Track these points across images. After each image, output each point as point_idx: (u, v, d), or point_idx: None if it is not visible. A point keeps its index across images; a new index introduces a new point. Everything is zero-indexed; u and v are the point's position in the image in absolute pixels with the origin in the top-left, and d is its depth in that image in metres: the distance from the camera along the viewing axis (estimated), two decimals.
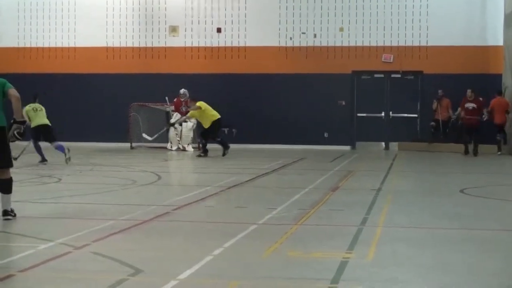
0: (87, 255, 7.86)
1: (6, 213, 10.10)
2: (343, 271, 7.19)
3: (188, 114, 23.36)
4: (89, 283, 6.66)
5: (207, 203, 12.25)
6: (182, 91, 24.84)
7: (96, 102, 28.07)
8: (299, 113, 27.68)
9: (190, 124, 24.86)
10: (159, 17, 28.54)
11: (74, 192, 13.45)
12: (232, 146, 23.68)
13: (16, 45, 28.88)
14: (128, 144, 26.07)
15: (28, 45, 28.87)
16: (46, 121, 19.47)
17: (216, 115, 22.60)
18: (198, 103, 22.58)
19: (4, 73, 27.39)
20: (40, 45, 28.90)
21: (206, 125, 22.64)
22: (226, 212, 11.42)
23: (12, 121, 10.22)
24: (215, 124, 22.64)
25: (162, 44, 28.42)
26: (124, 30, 28.56)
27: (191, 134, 25.25)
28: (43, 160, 19.30)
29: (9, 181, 10.13)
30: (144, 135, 25.29)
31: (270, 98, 27.98)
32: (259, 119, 27.79)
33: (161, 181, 15.96)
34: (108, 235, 8.97)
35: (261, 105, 27.80)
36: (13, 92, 10.10)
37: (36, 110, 19.38)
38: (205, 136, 22.73)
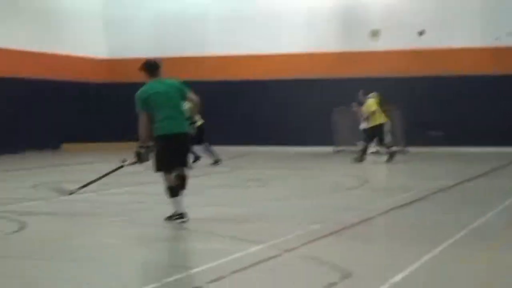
0: (296, 258, 7.93)
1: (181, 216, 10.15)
2: None
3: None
4: (300, 286, 6.72)
5: (414, 207, 12.06)
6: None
7: (299, 107, 28.39)
8: None
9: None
10: (359, 21, 28.40)
11: (278, 196, 13.66)
12: (441, 149, 23.17)
13: (219, 52, 29.67)
14: (330, 148, 26.20)
15: (232, 53, 29.59)
16: None
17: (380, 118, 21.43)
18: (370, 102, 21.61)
19: (214, 80, 28.59)
20: (242, 52, 29.50)
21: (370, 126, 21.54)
22: (434, 217, 11.18)
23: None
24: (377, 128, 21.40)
25: (362, 48, 28.26)
26: (325, 35, 28.64)
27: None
28: (217, 161, 19.84)
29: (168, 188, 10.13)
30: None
31: (482, 99, 27.00)
32: (469, 121, 26.89)
33: (365, 185, 15.90)
34: (316, 238, 9.02)
35: (471, 107, 26.90)
36: (192, 96, 10.28)
37: None
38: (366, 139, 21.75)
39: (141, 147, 10.15)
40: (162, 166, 10.06)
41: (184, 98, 10.27)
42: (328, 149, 26.25)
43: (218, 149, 27.38)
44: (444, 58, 27.62)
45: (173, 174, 10.04)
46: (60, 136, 28.15)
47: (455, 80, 27.22)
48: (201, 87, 28.95)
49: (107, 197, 13.40)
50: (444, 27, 27.67)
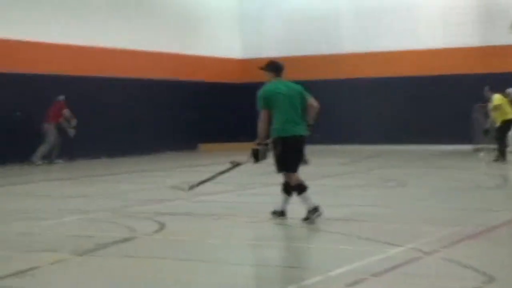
0: (438, 261, 7.72)
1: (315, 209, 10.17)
2: None
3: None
4: None
5: None
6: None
7: (436, 104, 27.81)
8: None
9: None
10: (499, 12, 27.52)
11: (417, 196, 13.42)
12: None
13: (353, 51, 29.44)
14: (468, 147, 25.53)
15: (367, 50, 29.29)
16: None
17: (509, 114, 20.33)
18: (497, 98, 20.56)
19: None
20: (375, 49, 29.15)
21: (497, 123, 20.63)
22: None
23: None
24: (505, 124, 20.39)
25: (503, 43, 27.37)
26: (463, 29, 27.94)
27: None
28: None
29: (294, 186, 10.21)
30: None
31: None
32: None
33: (506, 185, 15.40)
34: (457, 241, 8.77)
35: None
36: (312, 101, 10.35)
37: None
38: (497, 137, 20.68)
39: (259, 144, 10.23)
40: (286, 167, 10.19)
41: (304, 102, 10.32)
42: (466, 147, 25.56)
43: (350, 148, 27.34)
44: None
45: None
46: (198, 137, 28.66)
47: None
48: (335, 86, 29.22)
49: (243, 198, 13.53)
50: None
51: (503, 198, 13.29)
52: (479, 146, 25.28)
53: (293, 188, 10.26)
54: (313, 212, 10.14)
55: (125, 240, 9.21)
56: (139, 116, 26.17)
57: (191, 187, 11.51)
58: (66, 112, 22.30)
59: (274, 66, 10.44)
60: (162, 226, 10.23)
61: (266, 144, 10.23)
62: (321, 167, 19.37)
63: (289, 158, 10.18)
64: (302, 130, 10.26)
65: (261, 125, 10.17)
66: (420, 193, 14.06)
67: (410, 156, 23.95)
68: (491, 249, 8.45)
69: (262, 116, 10.17)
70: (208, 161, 22.12)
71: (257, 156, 10.24)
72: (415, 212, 11.47)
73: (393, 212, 11.52)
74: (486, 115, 21.92)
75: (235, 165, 11.03)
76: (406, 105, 28.20)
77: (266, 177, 14.01)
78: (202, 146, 28.63)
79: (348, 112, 28.90)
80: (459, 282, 6.76)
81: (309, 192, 10.21)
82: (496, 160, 20.09)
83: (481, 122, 24.94)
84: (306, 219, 10.17)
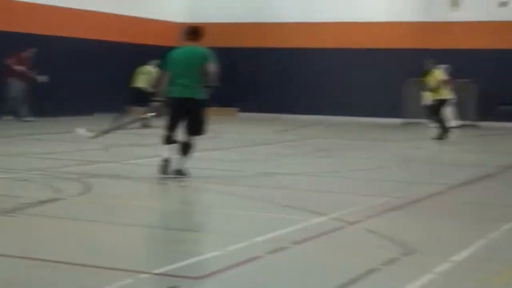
0: (360, 231, 7.82)
1: (179, 172, 10.96)
2: None
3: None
4: (362, 259, 6.61)
5: (484, 184, 11.79)
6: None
7: (370, 77, 28.04)
8: None
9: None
10: None
11: (346, 167, 13.53)
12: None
13: (294, 20, 29.43)
14: (399, 120, 25.86)
15: (308, 20, 29.30)
16: None
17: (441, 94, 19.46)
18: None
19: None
20: (317, 19, 29.21)
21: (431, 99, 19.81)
22: (504, 195, 10.92)
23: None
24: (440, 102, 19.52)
25: (442, 19, 27.69)
26: (402, 4, 28.19)
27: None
28: None
29: (189, 145, 11.03)
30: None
31: None
32: None
33: (435, 159, 15.63)
34: (382, 212, 8.89)
35: None
36: (209, 66, 10.89)
37: None
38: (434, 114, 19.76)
39: (156, 101, 11.39)
40: (170, 126, 11.00)
41: (203, 67, 10.85)
42: (398, 121, 25.90)
43: (289, 117, 27.47)
44: None
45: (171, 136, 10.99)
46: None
47: None
48: (274, 54, 29.20)
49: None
50: None
51: (431, 172, 13.47)
52: (408, 120, 25.61)
53: (184, 147, 10.99)
54: (179, 173, 10.92)
55: (49, 201, 9.11)
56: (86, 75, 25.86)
57: (96, 135, 11.95)
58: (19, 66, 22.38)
59: (187, 31, 11.14)
60: (88, 188, 10.14)
61: (163, 101, 11.24)
62: (256, 135, 19.43)
63: (173, 118, 10.97)
64: (191, 93, 10.84)
65: (157, 83, 11.44)
66: (348, 164, 14.19)
67: (345, 128, 24.15)
68: (414, 221, 8.57)
69: (160, 75, 11.50)
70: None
71: (155, 111, 11.64)
72: (343, 183, 11.59)
73: (320, 182, 11.62)
74: (424, 88, 20.94)
75: (139, 118, 12.09)
76: (344, 77, 28.36)
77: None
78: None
79: (287, 82, 28.93)
80: (378, 252, 6.85)
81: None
82: (440, 138, 19.19)
83: (415, 96, 25.23)
84: (174, 174, 10.93)
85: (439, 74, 19.71)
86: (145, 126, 18.43)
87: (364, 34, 28.40)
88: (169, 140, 10.99)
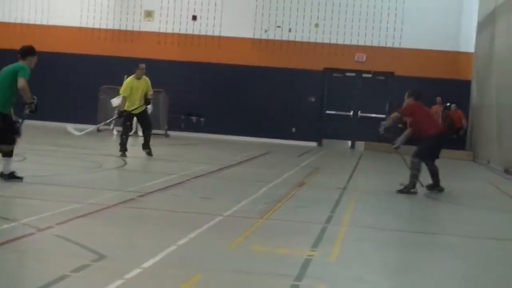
0: (50, 238, 7.76)
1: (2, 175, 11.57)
2: (307, 269, 7.17)
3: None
4: (52, 266, 6.58)
5: (173, 191, 12.17)
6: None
7: (67, 82, 27.82)
8: (269, 106, 27.76)
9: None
10: (134, 0, 28.36)
11: (38, 173, 13.29)
12: (201, 135, 23.58)
13: None
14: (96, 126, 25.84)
15: None
16: None
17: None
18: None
19: None
20: (12, 20, 28.53)
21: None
22: (192, 202, 11.36)
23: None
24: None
25: (136, 28, 28.23)
26: (99, 11, 28.34)
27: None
28: None
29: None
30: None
31: (242, 89, 27.99)
32: (229, 110, 27.78)
33: (127, 166, 15.85)
34: (72, 218, 8.88)
35: (232, 96, 27.86)
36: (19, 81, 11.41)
37: None
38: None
39: None
40: None
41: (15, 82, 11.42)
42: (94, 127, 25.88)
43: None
44: (215, 46, 28.18)
45: None
46: None
47: (224, 67, 27.85)
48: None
49: None
50: (217, 16, 28.23)
51: (123, 179, 13.65)
52: (102, 126, 25.64)
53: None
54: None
55: None
56: None
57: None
58: None
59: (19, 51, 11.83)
60: None
61: None
62: None
63: None
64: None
65: None
66: (39, 169, 13.94)
67: (38, 133, 23.64)
68: (104, 228, 8.65)
69: None
70: None
71: None
72: (33, 188, 11.38)
73: (8, 187, 11.31)
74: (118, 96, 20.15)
75: None
76: (53, 81, 27.72)
77: None
78: None
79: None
80: (69, 259, 6.84)
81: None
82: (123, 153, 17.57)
83: (108, 103, 25.42)
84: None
85: (130, 82, 18.11)
86: None
87: (60, 38, 28.09)
88: None
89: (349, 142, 28.38)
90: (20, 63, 11.72)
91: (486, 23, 25.06)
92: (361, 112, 28.14)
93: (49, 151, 17.75)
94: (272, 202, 11.39)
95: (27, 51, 11.85)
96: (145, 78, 17.90)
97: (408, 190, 13.74)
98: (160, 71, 25.46)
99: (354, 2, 27.86)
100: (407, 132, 14.81)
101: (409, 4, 27.71)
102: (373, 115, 27.87)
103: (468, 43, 27.33)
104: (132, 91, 17.61)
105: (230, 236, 8.47)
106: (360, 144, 27.76)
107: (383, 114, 27.92)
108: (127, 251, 7.48)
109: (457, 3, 27.57)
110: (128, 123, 18.01)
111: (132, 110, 17.71)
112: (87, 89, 27.31)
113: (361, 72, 28.13)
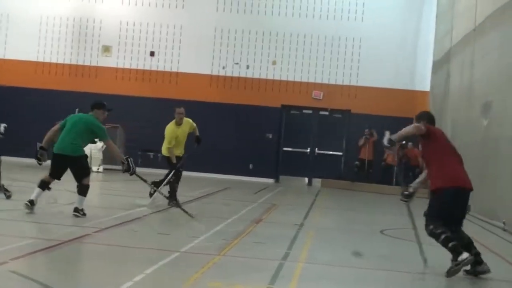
0: (4, 274, 7.66)
1: (76, 210, 12.58)
2: None
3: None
4: None
5: (129, 227, 12.09)
6: None
7: (23, 116, 27.59)
8: (227, 142, 27.78)
9: (99, 145, 23.22)
10: (92, 35, 28.35)
11: None
12: (158, 171, 23.42)
13: None
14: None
15: None
16: None
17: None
18: None
19: None
20: None
21: None
22: (148, 238, 11.30)
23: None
24: None
25: (94, 63, 28.21)
26: (56, 46, 28.27)
27: (101, 156, 24.91)
28: None
29: (86, 187, 12.84)
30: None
31: (199, 125, 27.89)
32: (187, 146, 27.62)
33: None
34: (27, 254, 8.77)
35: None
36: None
37: None
38: None
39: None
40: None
41: None
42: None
43: None
44: (172, 82, 28.23)
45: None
46: None
47: (182, 103, 27.79)
48: None
49: None
50: (175, 52, 28.34)
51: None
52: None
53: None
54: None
55: None
56: None
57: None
58: None
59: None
60: None
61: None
62: None
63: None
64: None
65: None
66: None
67: None
68: (59, 264, 8.56)
69: None
70: None
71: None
72: None
73: None
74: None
75: None
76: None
77: None
78: None
79: None
80: None
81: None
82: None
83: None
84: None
85: (173, 131, 17.36)
86: None
87: (17, 73, 27.94)
88: None
89: (306, 179, 28.50)
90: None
91: (442, 62, 25.48)
92: (318, 149, 28.31)
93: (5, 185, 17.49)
94: (229, 239, 11.37)
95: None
96: (186, 120, 17.44)
97: (460, 264, 9.39)
98: (118, 106, 25.33)
99: (312, 40, 28.16)
100: (424, 175, 10.97)
101: (365, 43, 28.07)
102: (330, 152, 28.08)
103: (423, 82, 27.73)
104: (177, 139, 17.25)
105: (187, 272, 8.43)
106: (317, 181, 27.89)
107: (340, 151, 28.18)
108: (83, 287, 7.40)
109: (413, 44, 28.01)
110: (181, 169, 17.03)
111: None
112: (44, 124, 27.01)
113: (318, 109, 28.35)
